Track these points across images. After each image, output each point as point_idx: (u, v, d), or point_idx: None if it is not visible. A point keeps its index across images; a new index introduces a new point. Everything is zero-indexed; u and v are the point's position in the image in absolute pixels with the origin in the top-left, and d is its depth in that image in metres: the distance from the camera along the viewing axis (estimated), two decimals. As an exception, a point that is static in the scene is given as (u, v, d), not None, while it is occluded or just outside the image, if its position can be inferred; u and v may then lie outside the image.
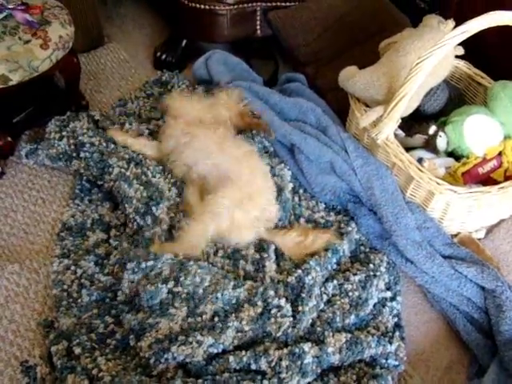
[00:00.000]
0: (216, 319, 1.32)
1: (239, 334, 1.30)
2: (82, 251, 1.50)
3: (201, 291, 1.36)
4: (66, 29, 1.64)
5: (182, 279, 1.36)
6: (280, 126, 1.71)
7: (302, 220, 1.61)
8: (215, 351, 1.27)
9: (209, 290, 1.36)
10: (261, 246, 1.51)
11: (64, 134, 1.69)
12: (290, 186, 1.65)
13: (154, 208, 1.52)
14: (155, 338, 1.26)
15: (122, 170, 1.60)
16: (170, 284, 1.35)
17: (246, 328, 1.31)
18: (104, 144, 1.67)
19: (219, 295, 1.35)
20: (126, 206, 1.54)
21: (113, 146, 1.68)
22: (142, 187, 1.57)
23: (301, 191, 1.68)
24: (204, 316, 1.32)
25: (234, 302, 1.36)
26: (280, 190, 1.62)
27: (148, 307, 1.32)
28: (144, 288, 1.34)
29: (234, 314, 1.33)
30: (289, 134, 1.68)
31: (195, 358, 1.24)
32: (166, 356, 1.23)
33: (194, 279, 1.37)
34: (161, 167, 1.64)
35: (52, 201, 1.66)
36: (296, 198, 1.66)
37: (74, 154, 1.67)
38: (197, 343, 1.25)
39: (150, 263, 1.38)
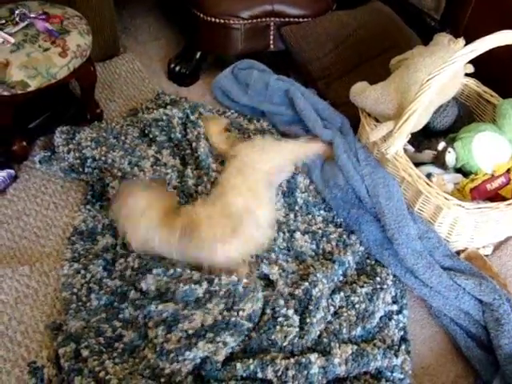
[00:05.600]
0: (249, 320, 1.33)
1: (246, 338, 1.33)
2: (92, 255, 1.52)
3: (241, 289, 1.37)
4: (84, 38, 1.67)
5: (216, 281, 1.37)
6: (316, 122, 1.81)
7: (297, 234, 1.60)
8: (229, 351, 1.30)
9: (249, 288, 1.38)
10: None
11: (71, 146, 1.71)
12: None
13: None
14: (186, 331, 1.28)
15: (115, 191, 1.60)
16: (204, 285, 1.37)
17: (253, 333, 1.33)
18: (103, 158, 1.68)
19: (259, 295, 1.37)
20: (118, 240, 1.55)
21: (110, 160, 1.67)
22: None
23: (296, 208, 1.68)
24: (241, 313, 1.33)
25: (260, 305, 1.38)
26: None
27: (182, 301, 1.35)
28: (176, 286, 1.36)
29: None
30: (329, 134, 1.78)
31: (216, 357, 1.26)
32: (186, 355, 1.24)
33: (230, 278, 1.38)
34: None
35: (64, 205, 1.68)
36: (292, 215, 1.66)
37: (81, 169, 1.70)
38: (223, 344, 1.27)
39: (179, 270, 1.40)
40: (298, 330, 1.35)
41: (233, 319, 1.32)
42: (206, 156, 1.75)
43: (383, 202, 1.56)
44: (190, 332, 1.29)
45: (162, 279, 1.39)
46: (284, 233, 1.60)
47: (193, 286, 1.36)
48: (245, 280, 1.39)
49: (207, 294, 1.36)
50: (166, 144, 1.78)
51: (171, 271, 1.40)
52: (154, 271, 1.40)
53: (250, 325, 1.34)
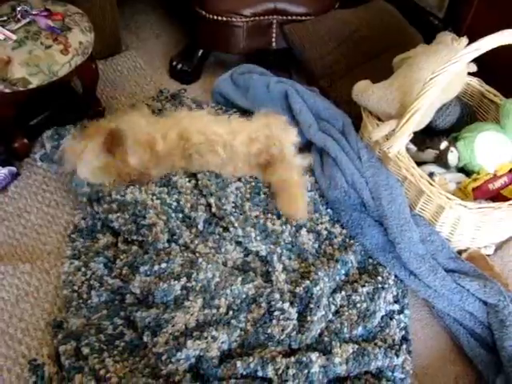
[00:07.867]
0: (230, 313, 1.35)
1: (242, 333, 1.33)
2: (92, 253, 1.51)
3: (213, 286, 1.39)
4: (86, 35, 1.67)
5: (194, 275, 1.39)
6: (310, 125, 1.79)
7: (303, 230, 1.60)
8: (226, 347, 1.29)
9: (220, 286, 1.39)
10: (265, 258, 1.52)
11: (59, 154, 1.67)
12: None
13: (142, 220, 1.53)
14: (172, 334, 1.28)
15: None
16: (183, 280, 1.38)
17: (249, 327, 1.34)
18: None
19: (228, 291, 1.38)
20: (119, 237, 1.55)
21: None
22: (120, 211, 1.55)
23: None
24: (221, 309, 1.35)
25: (244, 296, 1.38)
26: None
27: (162, 303, 1.35)
28: (157, 286, 1.36)
29: (242, 315, 1.35)
30: (321, 139, 1.75)
31: (209, 353, 1.26)
32: (178, 356, 1.24)
33: (206, 274, 1.40)
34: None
35: (65, 203, 1.68)
36: None
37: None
38: (212, 338, 1.27)
39: (164, 265, 1.41)
40: (295, 323, 1.35)
41: (214, 318, 1.33)
42: None
43: (386, 205, 1.55)
44: (176, 334, 1.29)
45: (146, 280, 1.39)
46: (291, 227, 1.60)
47: (172, 282, 1.37)
48: (217, 278, 1.40)
49: (184, 290, 1.37)
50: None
51: (156, 267, 1.41)
52: (141, 269, 1.40)
53: (231, 313, 1.35)
